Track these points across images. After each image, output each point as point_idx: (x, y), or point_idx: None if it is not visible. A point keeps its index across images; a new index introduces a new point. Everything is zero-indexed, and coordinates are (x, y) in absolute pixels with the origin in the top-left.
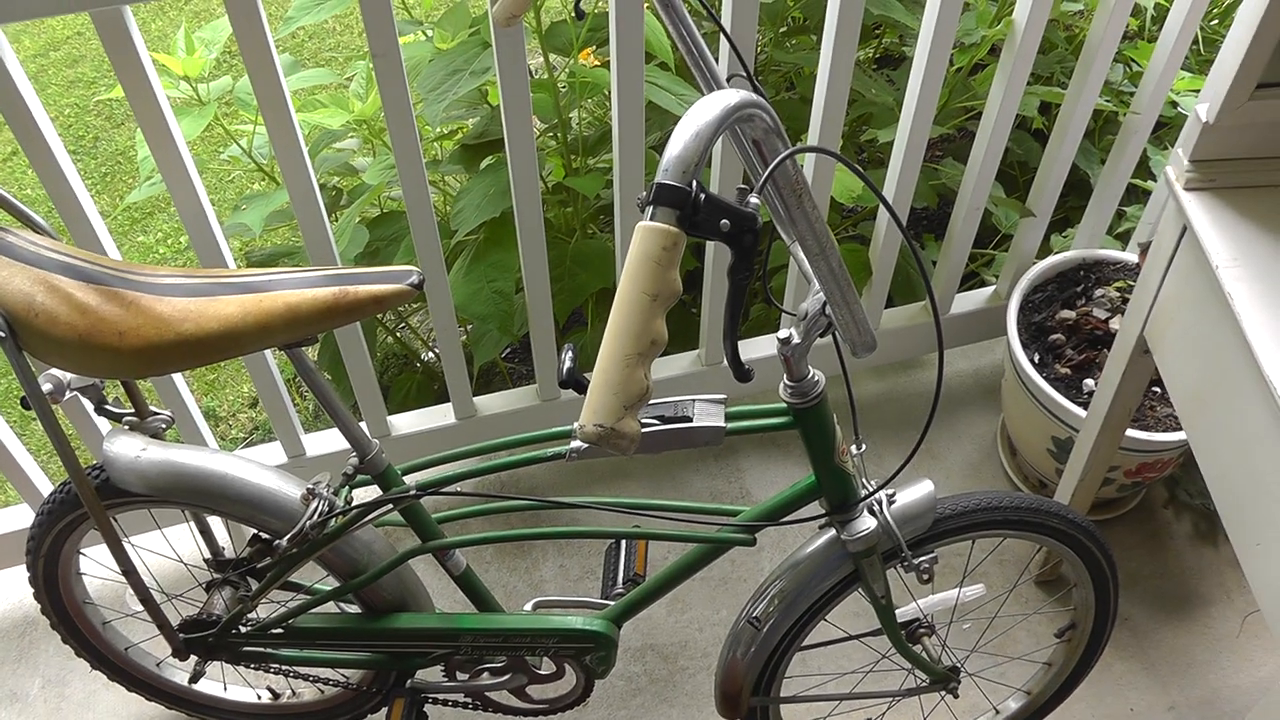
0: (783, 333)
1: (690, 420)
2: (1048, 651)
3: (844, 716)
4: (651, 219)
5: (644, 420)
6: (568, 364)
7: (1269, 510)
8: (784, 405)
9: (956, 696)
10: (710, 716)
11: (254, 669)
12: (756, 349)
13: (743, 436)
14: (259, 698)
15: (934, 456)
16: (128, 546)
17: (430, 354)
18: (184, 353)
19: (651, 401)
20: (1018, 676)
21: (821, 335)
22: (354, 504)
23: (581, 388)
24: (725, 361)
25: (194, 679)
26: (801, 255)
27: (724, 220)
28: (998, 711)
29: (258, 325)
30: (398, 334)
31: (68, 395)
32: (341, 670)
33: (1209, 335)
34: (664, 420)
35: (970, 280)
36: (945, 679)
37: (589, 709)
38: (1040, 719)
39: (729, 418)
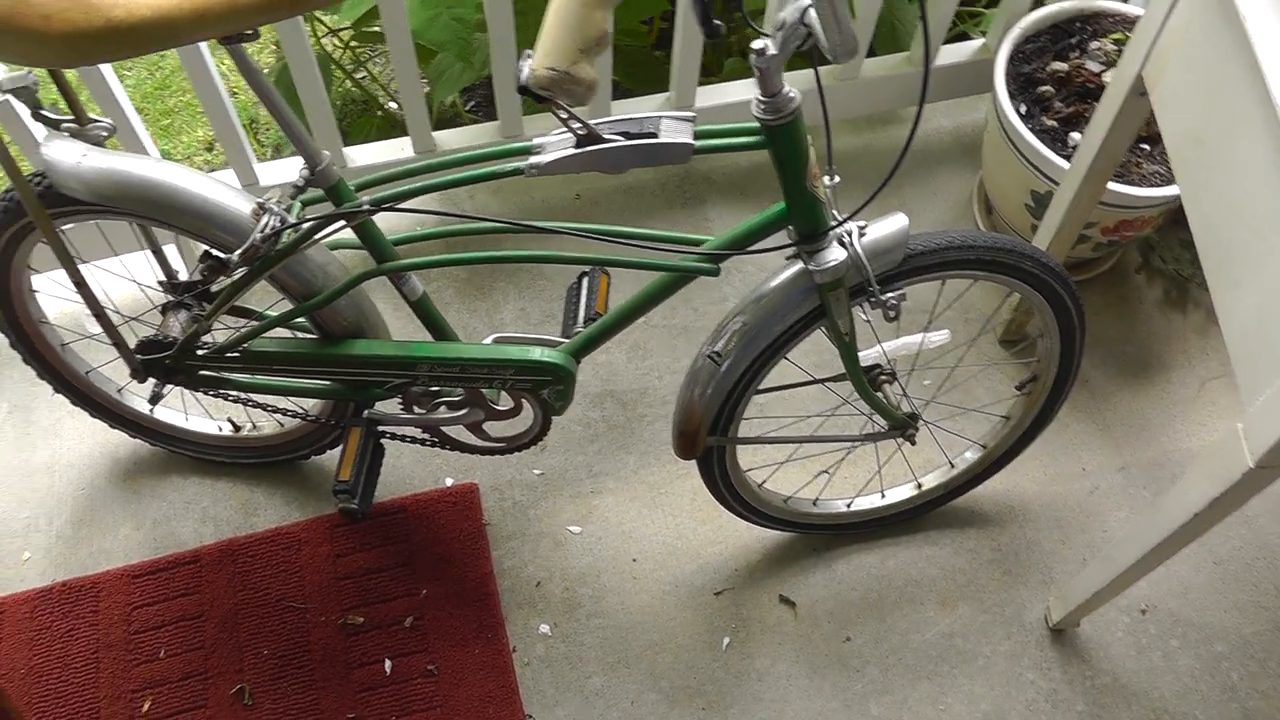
0: (758, 43)
1: (656, 136)
2: (1006, 405)
3: (798, 466)
4: None
5: (607, 136)
6: (525, 71)
7: (1255, 250)
8: (755, 125)
9: (914, 444)
10: (667, 464)
11: (212, 395)
12: (728, 94)
13: (711, 185)
14: (220, 430)
15: (907, 213)
16: (82, 268)
17: (392, 103)
18: (115, 40)
19: (616, 117)
20: (974, 431)
21: (799, 47)
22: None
23: (540, 97)
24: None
25: (153, 400)
26: None
27: None
28: (953, 465)
29: (194, 12)
30: (357, 79)
31: (1, 97)
32: (299, 403)
33: (1215, 69)
34: (628, 136)
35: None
36: (904, 425)
37: (546, 453)
38: (994, 473)
39: (697, 136)
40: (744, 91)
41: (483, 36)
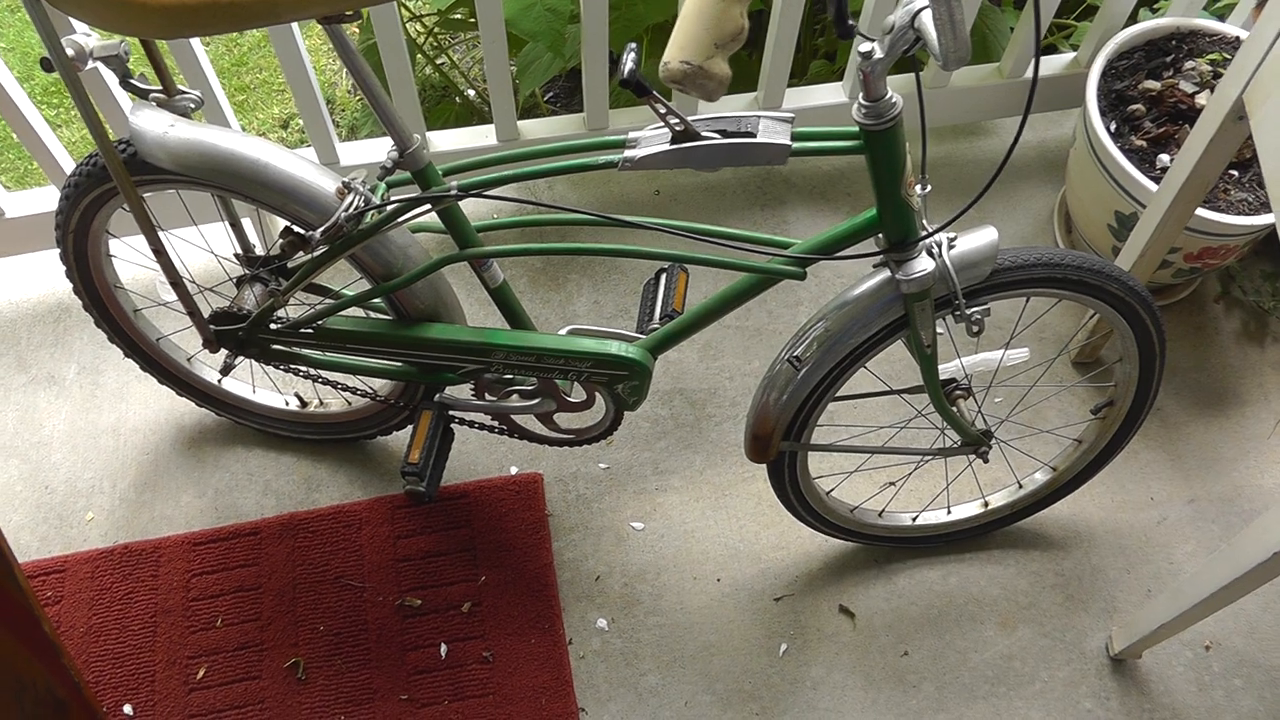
0: (865, 46)
1: (754, 136)
2: (1080, 428)
3: (864, 476)
4: None
5: (704, 134)
6: (630, 64)
7: None
8: (854, 129)
9: (986, 461)
10: (733, 466)
11: (282, 369)
12: (815, 97)
13: (791, 188)
14: (286, 404)
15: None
16: (160, 234)
17: (470, 90)
18: (217, 14)
19: (713, 115)
20: (1045, 452)
21: (906, 51)
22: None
23: (643, 90)
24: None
25: (224, 371)
26: None
27: None
28: (1021, 485)
29: None
30: (437, 64)
31: (90, 64)
32: (368, 383)
33: None
34: (725, 134)
35: (1046, 52)
36: (978, 442)
37: (613, 447)
38: (1062, 497)
39: (795, 138)
40: (831, 95)
41: (574, 28)
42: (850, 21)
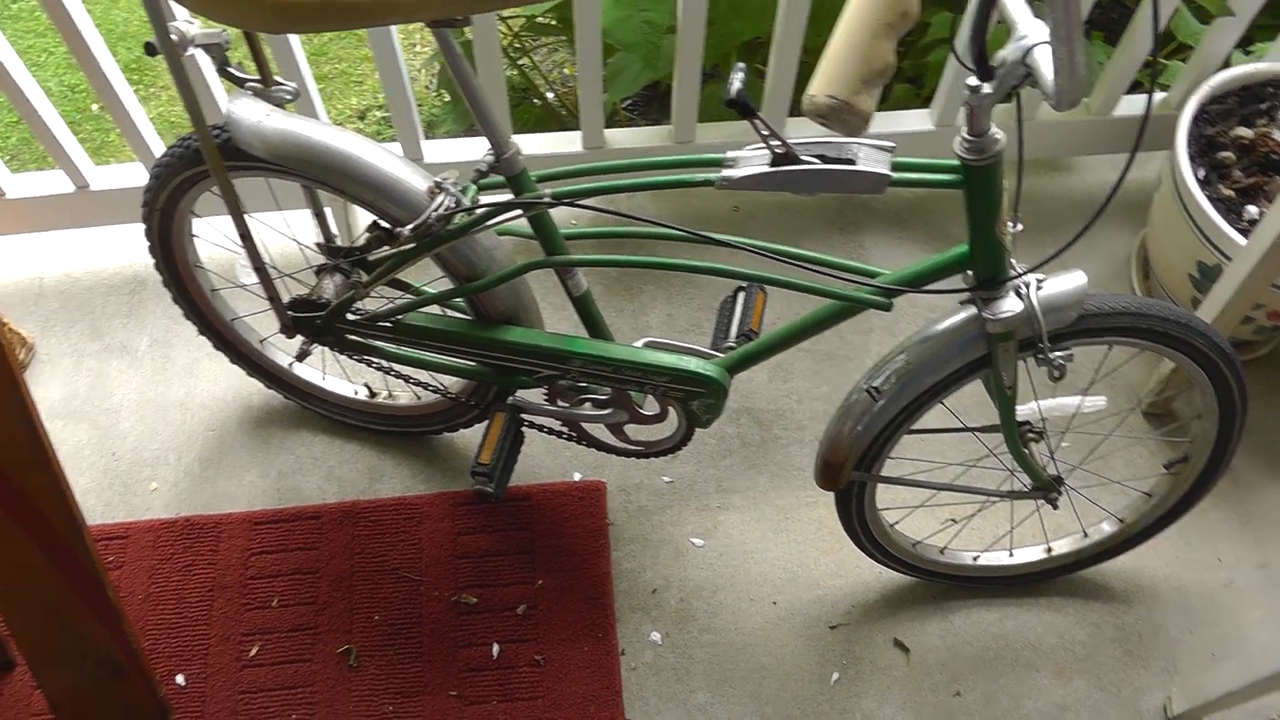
0: (973, 80)
1: (854, 163)
2: (1150, 481)
3: (927, 512)
4: None
5: (804, 158)
6: (738, 84)
7: None
8: (953, 163)
9: (1056, 508)
10: (796, 489)
11: (356, 359)
12: (902, 123)
13: (870, 213)
14: (355, 393)
15: (1064, 265)
16: (245, 218)
17: (550, 93)
18: (330, 13)
19: (813, 139)
20: (1113, 503)
21: (1014, 86)
22: (481, 204)
23: (749, 111)
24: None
25: (300, 357)
26: None
27: None
28: (1086, 534)
29: None
30: (519, 66)
31: (190, 50)
32: (439, 379)
33: None
34: (825, 160)
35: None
36: (1049, 487)
37: (678, 461)
38: (1127, 550)
39: (895, 168)
40: (919, 122)
41: (668, 40)
42: (993, 65)
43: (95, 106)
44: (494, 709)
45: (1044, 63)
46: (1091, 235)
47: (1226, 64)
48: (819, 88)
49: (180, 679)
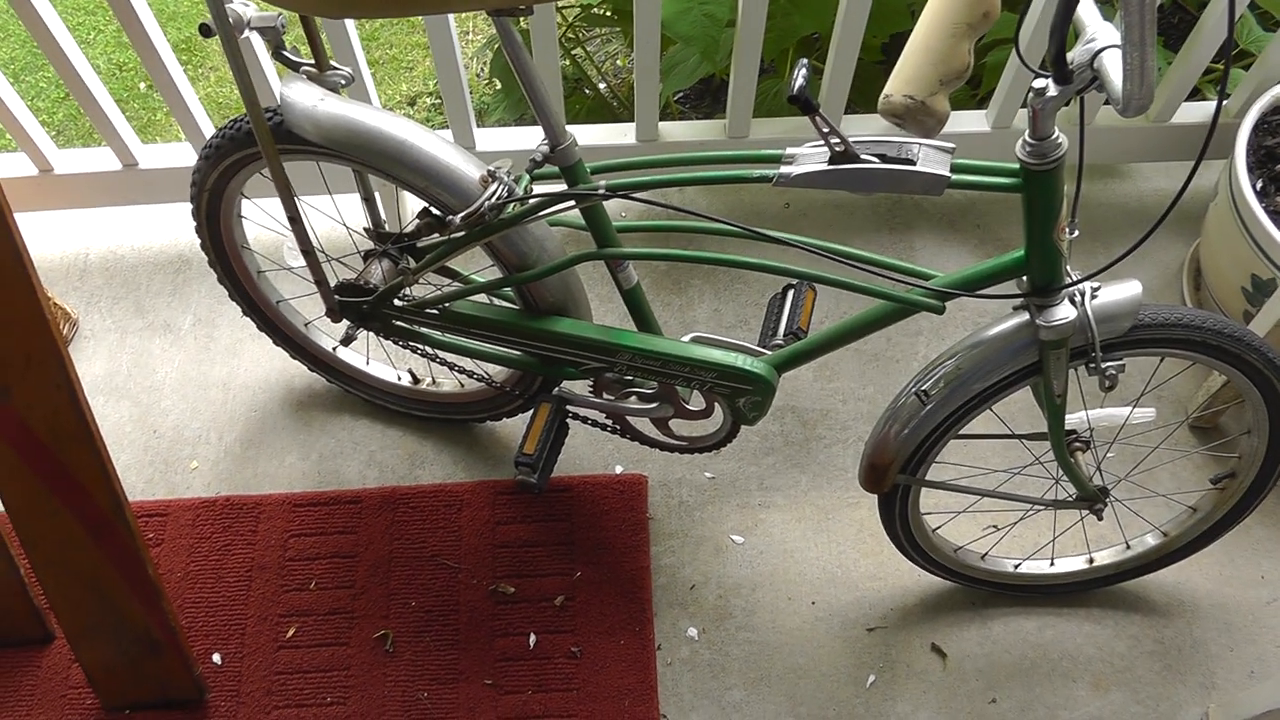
0: (1039, 82)
1: (913, 163)
2: (1195, 496)
3: (969, 518)
4: None
5: (863, 156)
6: (800, 80)
7: None
8: (1013, 166)
9: (1101, 519)
10: (838, 490)
11: (401, 345)
12: (958, 123)
13: (921, 214)
14: (399, 379)
15: (1115, 274)
16: (295, 201)
17: (603, 84)
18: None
19: (872, 137)
20: (1156, 516)
21: (1080, 90)
22: (535, 194)
23: (811, 108)
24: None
25: (345, 341)
26: None
27: None
28: (1129, 546)
29: None
30: (573, 55)
31: (245, 33)
32: (483, 367)
33: None
34: (884, 159)
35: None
36: (1094, 498)
37: (720, 458)
38: (1169, 564)
39: (954, 170)
40: (975, 123)
41: (727, 34)
42: (1070, 68)
43: (142, 85)
44: (529, 699)
45: (1112, 67)
46: (1144, 244)
47: None
48: (896, 87)
49: (217, 658)
